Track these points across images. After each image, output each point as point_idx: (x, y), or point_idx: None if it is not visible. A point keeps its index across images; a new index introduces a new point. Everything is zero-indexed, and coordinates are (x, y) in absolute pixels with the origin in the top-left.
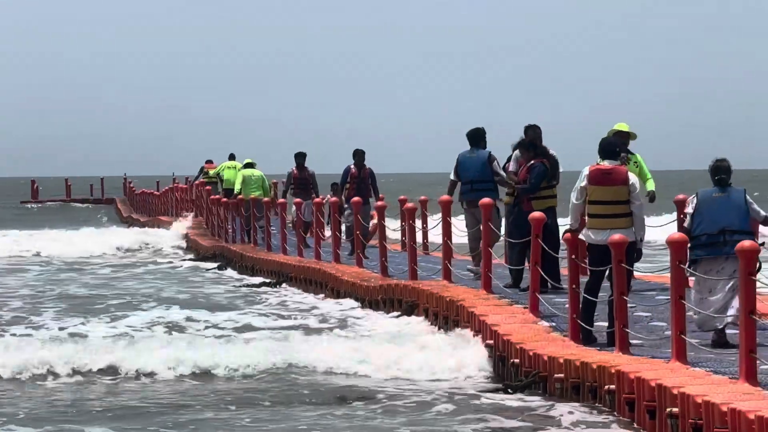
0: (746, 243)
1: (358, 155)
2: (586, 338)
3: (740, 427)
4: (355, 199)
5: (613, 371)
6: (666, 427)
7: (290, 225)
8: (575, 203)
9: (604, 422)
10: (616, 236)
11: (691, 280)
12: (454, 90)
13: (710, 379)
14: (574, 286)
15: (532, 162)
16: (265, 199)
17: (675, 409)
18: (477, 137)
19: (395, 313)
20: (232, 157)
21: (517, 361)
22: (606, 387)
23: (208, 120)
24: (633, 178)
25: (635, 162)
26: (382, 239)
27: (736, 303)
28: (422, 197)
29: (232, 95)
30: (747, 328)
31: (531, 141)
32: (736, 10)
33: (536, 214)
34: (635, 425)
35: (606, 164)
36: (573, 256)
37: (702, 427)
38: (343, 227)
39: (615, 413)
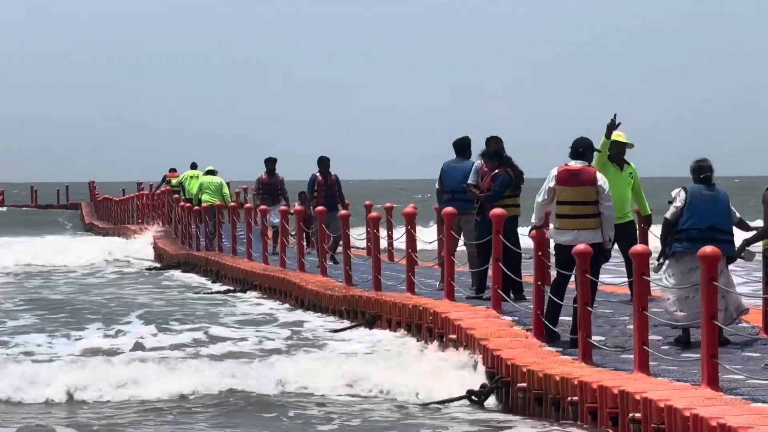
0: (708, 249)
1: (323, 162)
2: (549, 337)
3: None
4: (319, 208)
5: (576, 383)
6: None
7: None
8: (540, 202)
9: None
10: (581, 246)
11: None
12: (424, 94)
13: (672, 385)
14: (539, 283)
15: (497, 171)
16: (231, 204)
17: (637, 415)
18: (463, 146)
19: (348, 324)
20: (194, 167)
21: (479, 358)
22: (569, 399)
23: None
24: (601, 178)
25: (630, 173)
26: (346, 248)
27: (722, 304)
28: (387, 204)
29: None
30: (708, 333)
31: (495, 151)
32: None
33: (497, 210)
34: None
35: (574, 165)
36: (539, 254)
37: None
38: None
39: (578, 424)
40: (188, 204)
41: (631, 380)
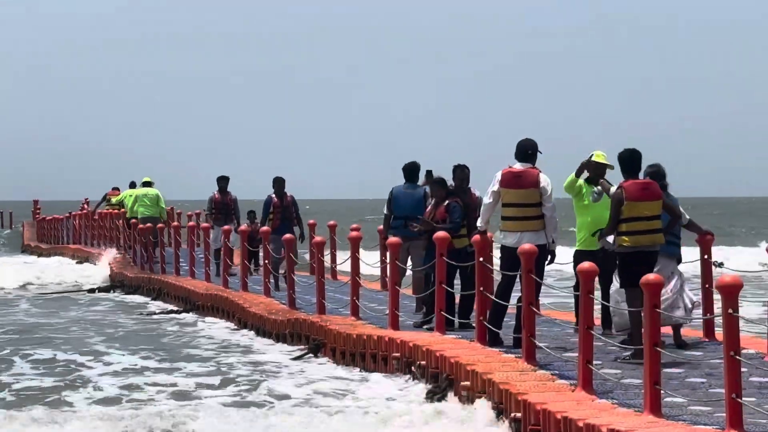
0: (651, 277)
1: (278, 183)
2: (492, 341)
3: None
4: (263, 229)
5: (520, 399)
6: None
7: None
8: (485, 204)
9: None
10: (526, 246)
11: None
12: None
13: (616, 412)
14: (482, 288)
15: (448, 201)
16: (159, 225)
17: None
18: (413, 171)
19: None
20: (132, 185)
21: (423, 363)
22: (513, 414)
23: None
24: (544, 180)
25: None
26: (290, 271)
27: (680, 302)
28: (330, 222)
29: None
30: (651, 359)
31: (441, 179)
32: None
33: (440, 234)
34: None
35: (518, 167)
36: (481, 259)
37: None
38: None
39: None
40: (133, 221)
41: (574, 402)
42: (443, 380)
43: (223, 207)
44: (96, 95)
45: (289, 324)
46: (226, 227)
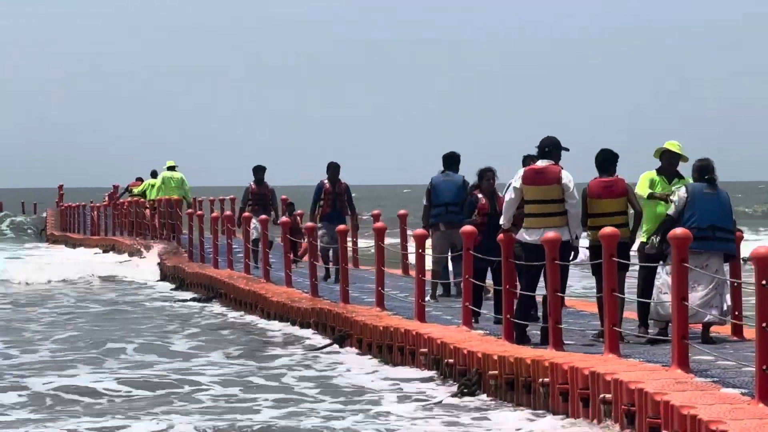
0: (678, 231)
1: (332, 169)
2: (519, 338)
3: (673, 421)
4: (308, 224)
5: (546, 364)
6: (599, 413)
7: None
8: (507, 201)
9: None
10: (550, 234)
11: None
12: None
13: (643, 367)
14: (508, 286)
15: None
16: (188, 211)
17: (608, 396)
18: (452, 161)
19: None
20: (154, 175)
21: (451, 361)
22: (540, 380)
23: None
24: (566, 176)
25: (677, 187)
26: (311, 257)
27: (718, 302)
28: (401, 211)
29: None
30: (679, 313)
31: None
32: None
33: (467, 228)
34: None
35: (539, 164)
36: (507, 257)
37: (635, 414)
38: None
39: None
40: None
41: (601, 361)
42: (473, 374)
43: (260, 198)
44: (129, 81)
45: (313, 313)
46: (263, 216)
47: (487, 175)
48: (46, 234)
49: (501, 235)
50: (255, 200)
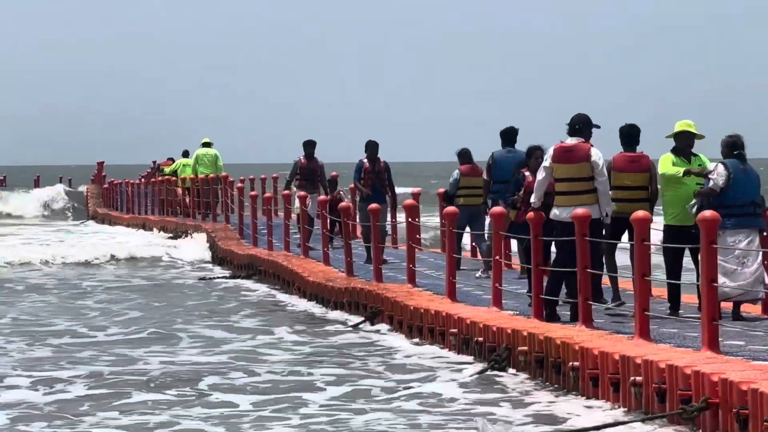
0: (707, 213)
1: (371, 147)
2: (550, 316)
3: (704, 389)
4: (343, 204)
5: (576, 348)
6: (630, 396)
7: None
8: (538, 180)
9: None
10: (579, 210)
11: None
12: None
13: (673, 350)
14: (537, 264)
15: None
16: (239, 185)
17: (639, 378)
18: (511, 136)
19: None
20: (185, 154)
21: (480, 339)
22: (570, 364)
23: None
24: (595, 154)
25: (699, 165)
26: (347, 237)
27: (763, 277)
28: (440, 189)
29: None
30: (709, 296)
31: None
32: None
33: (496, 210)
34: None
35: (569, 142)
36: (536, 235)
37: (665, 392)
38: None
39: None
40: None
41: (631, 345)
42: (502, 350)
43: (308, 173)
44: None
45: (346, 292)
46: (301, 193)
47: (536, 153)
48: (89, 211)
49: (531, 214)
50: (303, 175)
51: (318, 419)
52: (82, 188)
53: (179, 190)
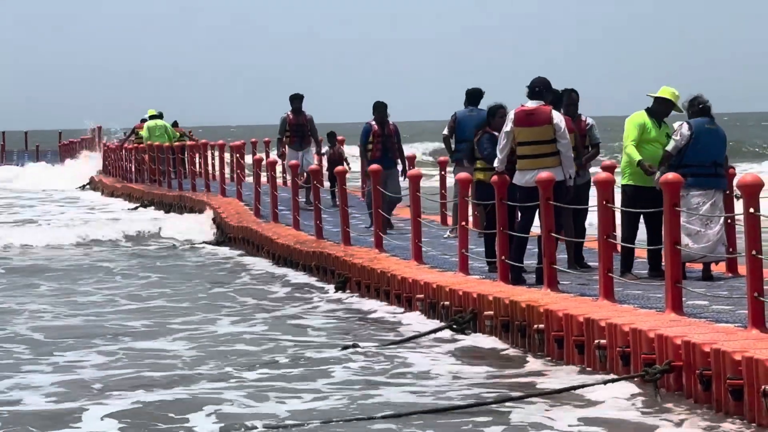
0: (670, 176)
1: (379, 109)
2: (515, 279)
3: (667, 352)
4: (374, 167)
5: (541, 310)
6: (594, 359)
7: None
8: (500, 146)
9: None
10: (543, 174)
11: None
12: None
13: (637, 312)
14: (502, 228)
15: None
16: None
17: (603, 341)
18: (476, 96)
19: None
20: (158, 116)
21: (447, 303)
22: (535, 326)
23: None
24: (557, 116)
25: (667, 133)
26: (316, 200)
27: (724, 239)
28: (442, 158)
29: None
30: (672, 257)
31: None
32: None
33: (462, 175)
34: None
35: (530, 105)
36: (501, 199)
37: (630, 355)
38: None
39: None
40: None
41: (596, 307)
42: (467, 313)
43: (298, 128)
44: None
45: (314, 256)
46: (339, 168)
47: (499, 112)
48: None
49: (495, 177)
50: (293, 131)
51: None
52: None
53: (146, 157)
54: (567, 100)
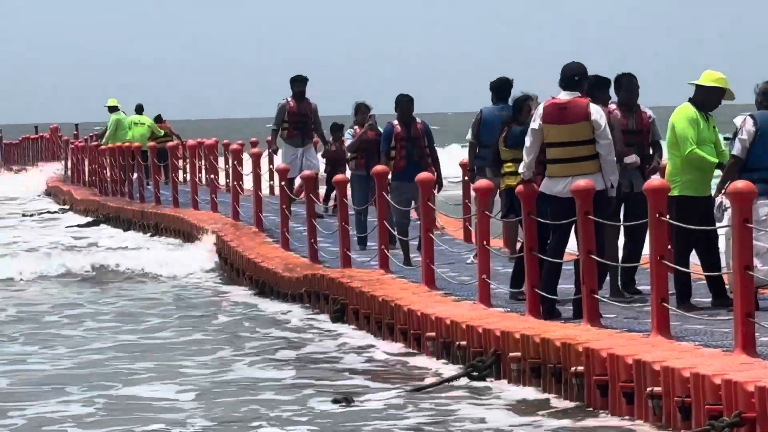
0: (740, 184)
1: (404, 105)
2: (548, 312)
3: (737, 402)
4: (378, 168)
5: (580, 350)
6: (647, 410)
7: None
8: (527, 146)
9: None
10: (581, 182)
11: None
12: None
13: (699, 353)
14: (531, 249)
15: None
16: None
17: (657, 389)
18: (503, 88)
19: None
20: (139, 110)
21: (464, 343)
22: (572, 370)
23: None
24: (596, 111)
25: (714, 126)
26: (311, 216)
27: None
28: (462, 160)
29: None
30: (743, 286)
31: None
32: None
33: (481, 183)
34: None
35: (562, 97)
36: (529, 213)
37: (690, 406)
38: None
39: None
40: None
41: (647, 345)
42: (489, 356)
43: (300, 119)
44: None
45: (306, 281)
46: (338, 177)
47: (526, 105)
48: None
49: (520, 187)
50: (293, 122)
51: None
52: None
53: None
54: (627, 86)
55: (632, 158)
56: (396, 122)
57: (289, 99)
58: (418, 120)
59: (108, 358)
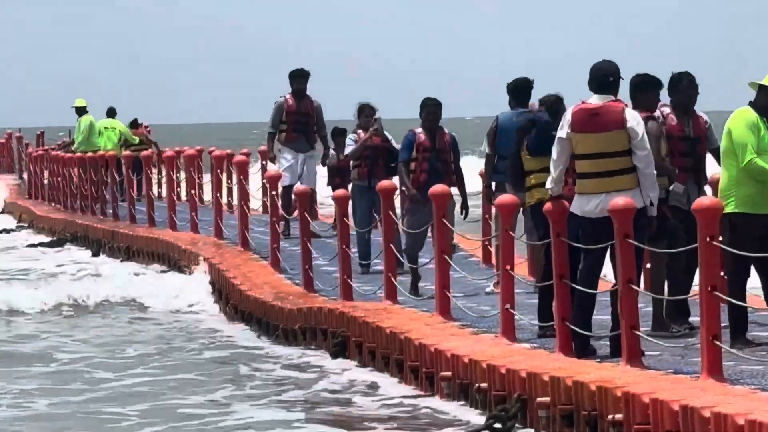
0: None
1: (429, 110)
2: (581, 349)
3: None
4: (383, 182)
5: (619, 395)
6: None
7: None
8: (554, 159)
9: None
10: (619, 200)
11: None
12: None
13: (756, 397)
14: (561, 277)
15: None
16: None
17: None
18: (522, 91)
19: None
20: (110, 113)
21: (484, 385)
22: (610, 418)
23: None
24: (632, 117)
25: None
26: (304, 236)
27: None
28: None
29: None
30: None
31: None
32: None
33: (505, 199)
34: None
35: (594, 101)
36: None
37: None
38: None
39: None
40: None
41: (696, 390)
42: (513, 402)
43: (300, 120)
44: None
45: (301, 315)
46: (340, 191)
47: (552, 108)
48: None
49: (548, 204)
50: (292, 122)
51: None
52: None
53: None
54: (687, 87)
55: (680, 187)
56: (419, 130)
57: (288, 96)
58: (446, 130)
59: (90, 400)
